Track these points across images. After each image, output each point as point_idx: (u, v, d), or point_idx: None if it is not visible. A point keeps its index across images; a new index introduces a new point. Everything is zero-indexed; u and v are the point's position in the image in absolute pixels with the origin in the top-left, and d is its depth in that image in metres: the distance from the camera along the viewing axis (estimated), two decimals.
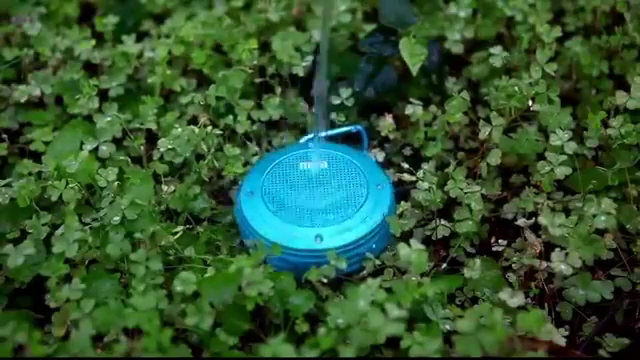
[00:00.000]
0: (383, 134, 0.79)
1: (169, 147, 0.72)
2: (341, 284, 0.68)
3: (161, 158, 0.74)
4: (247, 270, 0.60)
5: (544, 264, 0.66)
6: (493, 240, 0.71)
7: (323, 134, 0.72)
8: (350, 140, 0.78)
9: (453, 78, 0.83)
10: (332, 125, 0.78)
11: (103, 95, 0.81)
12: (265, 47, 0.84)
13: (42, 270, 0.65)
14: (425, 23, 0.83)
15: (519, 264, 0.68)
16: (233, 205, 0.72)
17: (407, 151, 0.81)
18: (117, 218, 0.67)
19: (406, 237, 0.71)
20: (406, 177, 0.73)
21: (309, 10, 0.87)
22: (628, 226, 0.69)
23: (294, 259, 0.66)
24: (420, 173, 0.73)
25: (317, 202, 0.69)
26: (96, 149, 0.76)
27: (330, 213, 0.68)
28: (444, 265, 0.70)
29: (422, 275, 0.64)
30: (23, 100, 0.81)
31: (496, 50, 0.79)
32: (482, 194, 0.71)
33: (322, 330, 0.57)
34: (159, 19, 0.91)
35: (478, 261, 0.67)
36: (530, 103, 0.74)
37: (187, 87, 0.82)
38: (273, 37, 0.83)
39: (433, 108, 0.78)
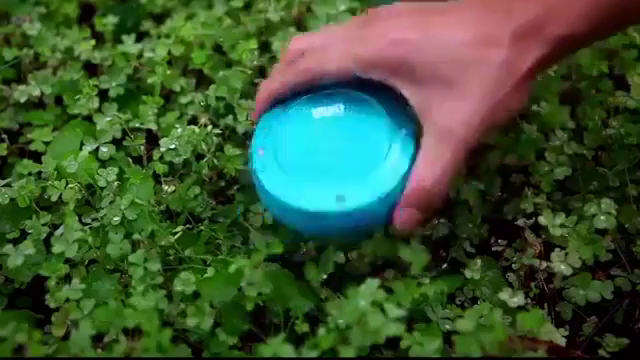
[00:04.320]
0: None
1: (170, 147, 0.72)
2: (341, 283, 0.68)
3: (161, 158, 0.74)
4: (247, 270, 0.60)
5: (544, 264, 0.66)
6: (493, 240, 0.71)
7: None
8: None
9: None
10: None
11: (103, 95, 0.81)
12: (265, 47, 0.84)
13: (42, 270, 0.65)
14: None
15: (519, 264, 0.68)
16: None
17: None
18: (117, 218, 0.67)
19: (405, 237, 0.71)
20: None
21: (309, 10, 0.87)
22: (628, 226, 0.69)
23: (314, 224, 0.60)
24: None
25: (334, 155, 0.61)
26: (96, 149, 0.76)
27: (350, 166, 0.60)
28: (444, 265, 0.69)
29: (423, 275, 0.64)
30: (23, 100, 0.81)
31: None
32: (482, 194, 0.72)
33: (322, 330, 0.57)
34: (159, 19, 0.91)
35: (479, 261, 0.67)
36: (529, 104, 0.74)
37: (187, 87, 0.82)
38: (273, 37, 0.83)
39: None
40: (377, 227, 0.62)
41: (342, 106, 0.63)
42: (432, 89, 0.57)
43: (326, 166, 0.60)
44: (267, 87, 0.64)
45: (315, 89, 0.63)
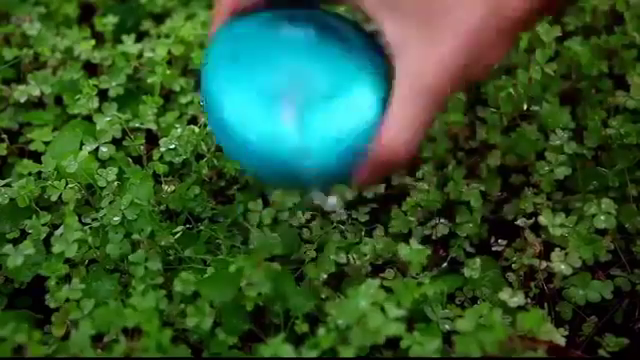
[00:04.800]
0: None
1: (170, 147, 0.72)
2: (341, 283, 0.68)
3: (161, 158, 0.74)
4: (247, 270, 0.60)
5: (544, 264, 0.66)
6: (493, 240, 0.71)
7: None
8: None
9: None
10: None
11: (103, 95, 0.81)
12: None
13: (42, 270, 0.65)
14: None
15: (519, 264, 0.68)
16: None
17: None
18: (117, 218, 0.67)
19: (405, 237, 0.71)
20: (407, 180, 0.73)
21: None
22: (628, 226, 0.69)
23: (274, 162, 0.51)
24: (419, 173, 0.73)
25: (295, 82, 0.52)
26: (96, 149, 0.76)
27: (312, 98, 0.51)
28: (444, 265, 0.70)
29: (423, 273, 0.64)
30: (23, 100, 0.81)
31: None
32: (482, 194, 0.72)
33: (322, 330, 0.57)
34: (159, 19, 0.91)
35: (478, 260, 0.67)
36: (528, 104, 0.74)
37: (187, 87, 0.82)
38: None
39: None
40: (338, 177, 0.54)
41: (312, 30, 0.54)
42: (413, 24, 0.50)
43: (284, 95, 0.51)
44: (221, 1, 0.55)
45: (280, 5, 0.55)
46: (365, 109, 0.52)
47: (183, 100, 0.81)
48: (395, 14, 0.51)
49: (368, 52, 0.54)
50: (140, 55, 0.84)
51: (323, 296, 0.65)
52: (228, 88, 0.52)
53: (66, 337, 0.63)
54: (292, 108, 0.51)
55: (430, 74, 0.50)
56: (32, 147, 0.78)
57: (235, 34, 0.54)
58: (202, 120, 0.74)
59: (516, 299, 0.62)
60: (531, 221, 0.69)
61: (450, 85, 0.51)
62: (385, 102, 0.52)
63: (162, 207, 0.72)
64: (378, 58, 0.54)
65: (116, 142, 0.77)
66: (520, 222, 0.70)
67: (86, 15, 0.93)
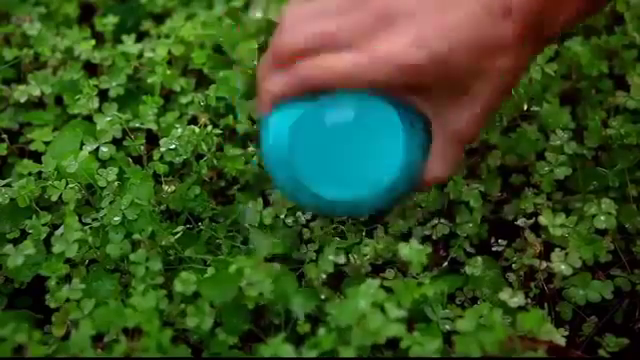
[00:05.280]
0: None
1: (170, 147, 0.72)
2: (341, 283, 0.68)
3: (161, 158, 0.74)
4: (247, 270, 0.60)
5: (544, 264, 0.66)
6: (493, 240, 0.71)
7: None
8: None
9: None
10: None
11: (103, 95, 0.81)
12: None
13: (42, 270, 0.65)
14: None
15: (519, 264, 0.68)
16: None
17: None
18: (117, 218, 0.67)
19: (405, 237, 0.71)
20: None
21: None
22: (628, 226, 0.69)
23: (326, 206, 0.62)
24: None
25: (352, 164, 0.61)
26: (96, 149, 0.76)
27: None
28: (444, 265, 0.70)
29: (423, 273, 0.64)
30: (23, 100, 0.81)
31: None
32: (482, 195, 0.72)
33: (322, 330, 0.57)
34: (159, 19, 0.91)
35: (479, 259, 0.67)
36: (528, 104, 0.74)
37: (187, 87, 0.82)
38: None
39: None
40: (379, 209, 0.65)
41: (353, 112, 0.60)
42: (443, 98, 0.60)
43: (346, 178, 0.61)
44: (266, 91, 0.60)
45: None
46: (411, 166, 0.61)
47: (183, 100, 0.81)
48: (423, 98, 0.61)
49: (408, 115, 0.61)
50: (140, 55, 0.84)
51: (323, 296, 0.65)
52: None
53: (66, 337, 0.63)
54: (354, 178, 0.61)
55: (465, 129, 0.61)
56: (32, 147, 0.78)
57: (289, 125, 0.60)
58: (202, 120, 0.74)
59: (516, 299, 0.62)
60: (531, 221, 0.69)
61: (478, 132, 0.62)
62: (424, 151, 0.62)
63: (162, 207, 0.72)
64: (418, 120, 0.62)
65: (116, 142, 0.77)
66: (520, 222, 0.70)
67: (86, 15, 0.93)
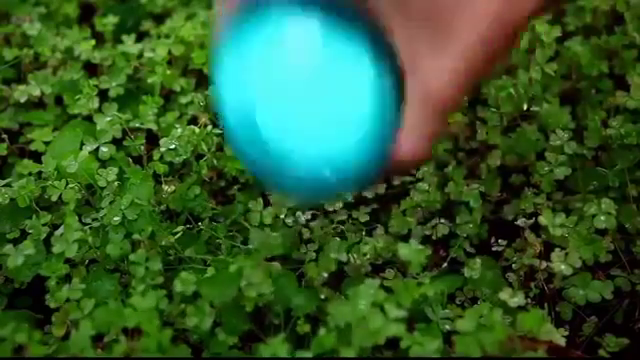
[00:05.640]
0: None
1: (170, 147, 0.72)
2: (341, 283, 0.68)
3: (161, 158, 0.74)
4: (247, 270, 0.60)
5: (544, 264, 0.66)
6: (493, 240, 0.71)
7: None
8: None
9: None
10: None
11: (103, 95, 0.81)
12: None
13: (42, 270, 0.65)
14: None
15: (519, 264, 0.68)
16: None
17: None
18: (117, 218, 0.67)
19: (405, 237, 0.71)
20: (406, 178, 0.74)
21: None
22: (628, 226, 0.69)
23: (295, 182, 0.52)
24: (419, 173, 0.73)
25: (315, 100, 0.51)
26: (96, 149, 0.76)
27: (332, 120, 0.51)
28: (444, 265, 0.70)
29: (423, 273, 0.64)
30: (23, 100, 0.81)
31: None
32: (482, 195, 0.72)
33: (322, 330, 0.57)
34: (159, 19, 0.91)
35: (479, 260, 0.67)
36: (528, 104, 0.74)
37: (187, 87, 0.82)
38: None
39: None
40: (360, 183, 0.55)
41: (320, 33, 0.51)
42: (422, 29, 0.50)
43: (308, 116, 0.51)
44: None
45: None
46: (377, 120, 0.51)
47: (183, 100, 0.81)
48: (405, 20, 0.51)
49: (379, 60, 0.52)
50: (140, 55, 0.84)
51: (323, 296, 0.65)
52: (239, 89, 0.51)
53: (66, 337, 0.63)
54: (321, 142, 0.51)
55: (441, 89, 0.50)
56: (32, 147, 0.78)
57: (247, 37, 0.52)
58: (202, 120, 0.74)
59: (516, 299, 0.62)
60: (531, 221, 0.69)
61: (460, 94, 0.51)
62: (397, 111, 0.52)
63: (162, 207, 0.72)
64: (387, 61, 0.52)
65: (116, 142, 0.77)
66: (520, 222, 0.70)
67: (86, 15, 0.93)
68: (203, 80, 0.84)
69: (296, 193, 0.56)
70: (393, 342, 0.58)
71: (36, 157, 0.77)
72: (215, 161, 0.74)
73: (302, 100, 0.50)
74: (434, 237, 0.72)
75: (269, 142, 0.51)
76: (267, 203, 0.72)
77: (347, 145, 0.51)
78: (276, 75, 0.51)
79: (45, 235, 0.68)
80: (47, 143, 0.78)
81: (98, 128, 0.77)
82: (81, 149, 0.75)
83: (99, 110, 0.79)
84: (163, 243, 0.67)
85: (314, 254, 0.69)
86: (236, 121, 0.52)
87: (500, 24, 0.49)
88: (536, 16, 0.53)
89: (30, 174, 0.73)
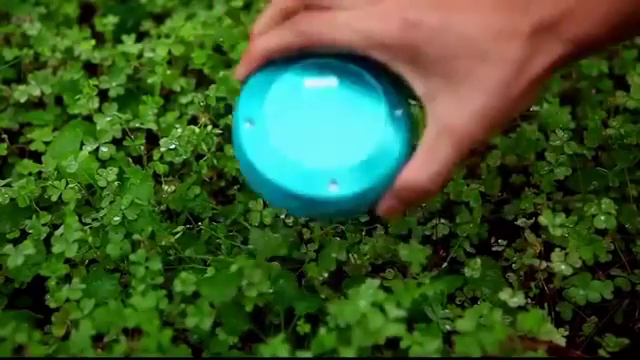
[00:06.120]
0: None
1: (170, 147, 0.72)
2: (341, 283, 0.68)
3: (161, 158, 0.74)
4: (247, 270, 0.60)
5: (544, 264, 0.66)
6: (493, 240, 0.71)
7: None
8: None
9: None
10: None
11: (103, 95, 0.81)
12: None
13: (42, 270, 0.65)
14: None
15: (519, 264, 0.68)
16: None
17: None
18: (117, 218, 0.67)
19: (405, 237, 0.71)
20: None
21: None
22: (628, 226, 0.69)
23: (305, 205, 0.56)
24: None
25: (328, 134, 0.56)
26: (96, 149, 0.76)
27: (343, 148, 0.56)
28: (444, 265, 0.70)
29: (423, 274, 0.64)
30: (23, 100, 0.81)
31: None
32: (482, 195, 0.72)
33: (322, 330, 0.57)
34: (159, 19, 0.92)
35: (479, 260, 0.67)
36: None
37: (187, 87, 0.82)
38: None
39: None
40: (365, 208, 0.59)
41: (336, 79, 0.58)
42: (440, 82, 0.53)
43: (319, 146, 0.56)
44: (260, 46, 0.57)
45: (307, 55, 0.58)
46: (392, 153, 0.56)
47: (183, 100, 0.81)
48: (421, 70, 0.54)
49: (391, 96, 0.57)
50: (140, 55, 0.84)
51: (323, 296, 0.65)
52: (268, 148, 0.56)
53: (66, 337, 0.63)
54: (329, 163, 0.55)
55: (461, 124, 0.53)
56: (32, 147, 0.78)
57: (268, 89, 0.57)
58: (202, 120, 0.74)
59: (516, 299, 0.62)
60: (531, 221, 0.69)
61: (478, 135, 0.53)
62: (408, 142, 0.56)
63: (162, 207, 0.72)
64: (400, 99, 0.57)
65: (116, 142, 0.77)
66: (520, 222, 0.70)
67: (86, 15, 0.93)
68: (203, 80, 0.84)
69: (318, 216, 0.60)
70: (393, 342, 0.58)
71: (36, 157, 0.77)
72: (215, 161, 0.74)
73: (318, 126, 0.56)
74: (434, 237, 0.72)
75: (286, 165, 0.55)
76: (267, 203, 0.72)
77: (360, 171, 0.55)
78: (293, 107, 0.57)
79: (45, 235, 0.68)
80: (47, 143, 0.78)
81: (98, 128, 0.77)
82: (81, 149, 0.75)
83: (99, 110, 0.79)
84: (163, 243, 0.67)
85: (314, 254, 0.69)
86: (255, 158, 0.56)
87: (520, 72, 0.52)
88: (563, 67, 0.56)
89: (30, 174, 0.73)
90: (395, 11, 0.54)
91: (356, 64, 0.58)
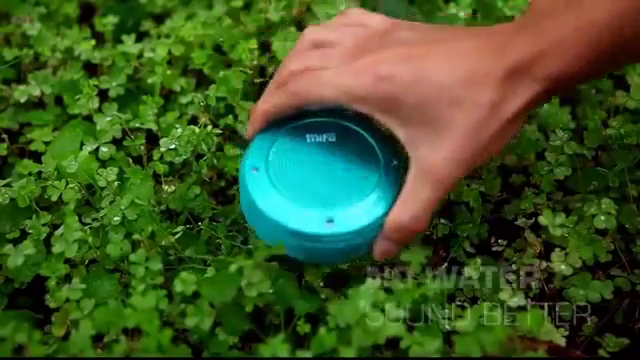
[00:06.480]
0: None
1: (170, 147, 0.72)
2: (341, 283, 0.68)
3: (161, 158, 0.74)
4: (247, 270, 0.60)
5: (544, 264, 0.66)
6: (493, 240, 0.71)
7: None
8: None
9: None
10: None
11: (103, 95, 0.81)
12: (265, 47, 0.84)
13: (42, 270, 0.65)
14: (424, 23, 0.83)
15: (519, 264, 0.68)
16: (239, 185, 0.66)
17: None
18: (117, 218, 0.67)
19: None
20: None
21: (309, 10, 0.87)
22: (628, 226, 0.69)
23: (304, 243, 0.61)
24: None
25: (326, 182, 0.63)
26: (96, 149, 0.76)
27: (340, 194, 0.61)
28: (444, 265, 0.70)
29: (423, 274, 0.64)
30: (23, 100, 0.81)
31: None
32: (482, 195, 0.72)
33: (322, 330, 0.57)
34: (159, 19, 0.91)
35: (479, 261, 0.67)
36: None
37: (187, 87, 0.82)
38: (273, 37, 0.83)
39: None
40: (362, 251, 0.63)
41: (334, 135, 0.64)
42: (418, 127, 0.58)
43: (318, 192, 0.62)
44: (260, 109, 0.64)
45: (309, 111, 0.64)
46: (386, 199, 0.61)
47: (183, 100, 0.81)
48: (400, 119, 0.58)
49: (386, 148, 0.63)
50: (140, 55, 0.84)
51: (323, 296, 0.65)
52: (271, 191, 0.62)
53: (66, 337, 0.63)
54: (327, 206, 0.61)
55: (439, 166, 0.57)
56: (32, 147, 0.78)
57: (272, 143, 0.64)
58: (202, 120, 0.74)
59: (516, 299, 0.62)
60: (531, 221, 0.69)
61: (456, 175, 0.57)
62: (399, 190, 0.60)
63: (162, 207, 0.72)
64: (394, 151, 0.63)
65: (116, 142, 0.77)
66: (520, 222, 0.70)
67: (86, 15, 0.93)
68: (203, 80, 0.84)
69: (319, 257, 0.64)
70: (393, 342, 0.58)
71: (36, 157, 0.77)
72: (215, 161, 0.74)
73: (317, 174, 0.63)
74: (434, 237, 0.72)
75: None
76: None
77: (356, 212, 0.61)
78: (294, 158, 0.63)
79: (45, 235, 0.68)
80: (47, 143, 0.78)
81: (98, 128, 0.77)
82: (81, 149, 0.75)
83: (99, 110, 0.79)
84: (163, 243, 0.67)
85: None
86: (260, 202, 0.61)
87: (493, 114, 0.56)
88: (534, 108, 0.60)
89: (30, 174, 0.73)
90: (369, 67, 0.59)
91: (355, 120, 0.64)
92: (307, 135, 0.64)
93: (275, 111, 0.63)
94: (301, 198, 0.61)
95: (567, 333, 0.64)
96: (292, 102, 0.62)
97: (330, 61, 0.62)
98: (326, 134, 0.64)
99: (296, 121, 0.64)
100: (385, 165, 0.63)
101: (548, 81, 0.56)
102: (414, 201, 0.58)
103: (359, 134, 0.64)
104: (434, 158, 0.57)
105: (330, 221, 0.60)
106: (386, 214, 0.60)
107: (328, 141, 0.64)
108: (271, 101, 0.63)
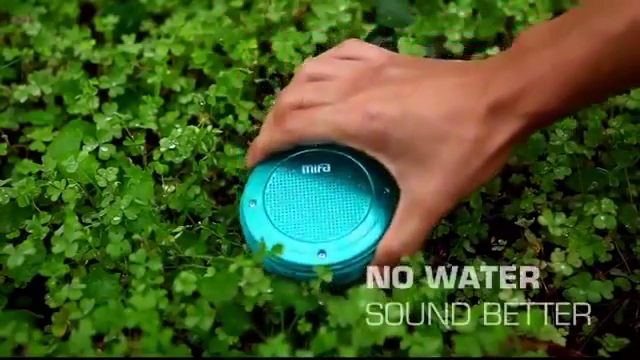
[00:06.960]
0: None
1: (170, 147, 0.72)
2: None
3: (161, 158, 0.74)
4: (247, 270, 0.60)
5: (544, 264, 0.66)
6: (493, 240, 0.71)
7: None
8: None
9: None
10: None
11: (103, 95, 0.81)
12: (265, 47, 0.84)
13: (42, 270, 0.65)
14: (424, 23, 0.83)
15: (519, 264, 0.68)
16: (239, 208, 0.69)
17: None
18: (117, 218, 0.67)
19: None
20: None
21: (309, 10, 0.87)
22: (628, 226, 0.69)
23: (297, 273, 0.64)
24: None
25: (320, 212, 0.66)
26: (96, 149, 0.76)
27: (333, 225, 0.65)
28: (444, 265, 0.69)
29: (423, 275, 0.64)
30: (23, 100, 0.81)
31: (493, 51, 0.80)
32: (482, 195, 0.72)
33: (322, 330, 0.57)
34: (159, 19, 0.92)
35: (479, 261, 0.67)
36: None
37: (187, 87, 0.82)
38: (273, 37, 0.83)
39: None
40: (354, 277, 0.64)
41: (329, 166, 0.67)
42: (407, 162, 0.60)
43: (311, 224, 0.65)
44: (259, 144, 0.68)
45: (305, 146, 0.67)
46: (376, 229, 0.63)
47: (183, 100, 0.81)
48: (390, 154, 0.61)
49: (378, 180, 0.65)
50: (140, 55, 0.84)
51: (321, 303, 0.65)
52: (267, 224, 0.65)
53: (66, 337, 0.63)
54: (319, 237, 0.64)
55: (427, 198, 0.60)
56: (32, 147, 0.78)
57: (269, 175, 0.67)
58: (202, 120, 0.74)
59: (516, 299, 0.62)
60: (531, 221, 0.69)
61: (444, 207, 0.60)
62: (391, 217, 0.63)
63: (162, 207, 0.72)
64: (386, 182, 0.64)
65: (116, 142, 0.77)
66: (520, 222, 0.70)
67: (86, 15, 0.93)
68: (203, 80, 0.84)
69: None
70: (393, 342, 0.58)
71: (36, 157, 0.77)
72: (215, 161, 0.74)
73: (311, 206, 0.66)
74: (434, 237, 0.72)
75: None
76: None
77: (347, 244, 0.63)
78: (289, 190, 0.67)
79: (45, 235, 0.68)
80: (47, 143, 0.78)
81: (98, 128, 0.77)
82: (81, 149, 0.75)
83: (99, 110, 0.79)
84: (163, 243, 0.67)
85: None
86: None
87: (478, 149, 0.58)
88: (519, 142, 0.62)
89: (30, 174, 0.73)
90: (360, 105, 0.62)
91: (349, 150, 0.65)
92: (303, 166, 0.67)
93: (273, 146, 0.67)
94: (294, 231, 0.64)
95: (567, 333, 0.64)
96: (288, 139, 0.66)
97: (325, 94, 0.65)
98: (321, 165, 0.67)
99: (293, 152, 0.68)
100: (377, 193, 0.65)
101: (529, 117, 0.58)
102: (404, 231, 0.61)
103: (353, 163, 0.66)
104: (423, 191, 0.60)
105: (322, 252, 0.63)
106: (377, 243, 0.63)
107: (323, 172, 0.67)
108: (268, 138, 0.67)
